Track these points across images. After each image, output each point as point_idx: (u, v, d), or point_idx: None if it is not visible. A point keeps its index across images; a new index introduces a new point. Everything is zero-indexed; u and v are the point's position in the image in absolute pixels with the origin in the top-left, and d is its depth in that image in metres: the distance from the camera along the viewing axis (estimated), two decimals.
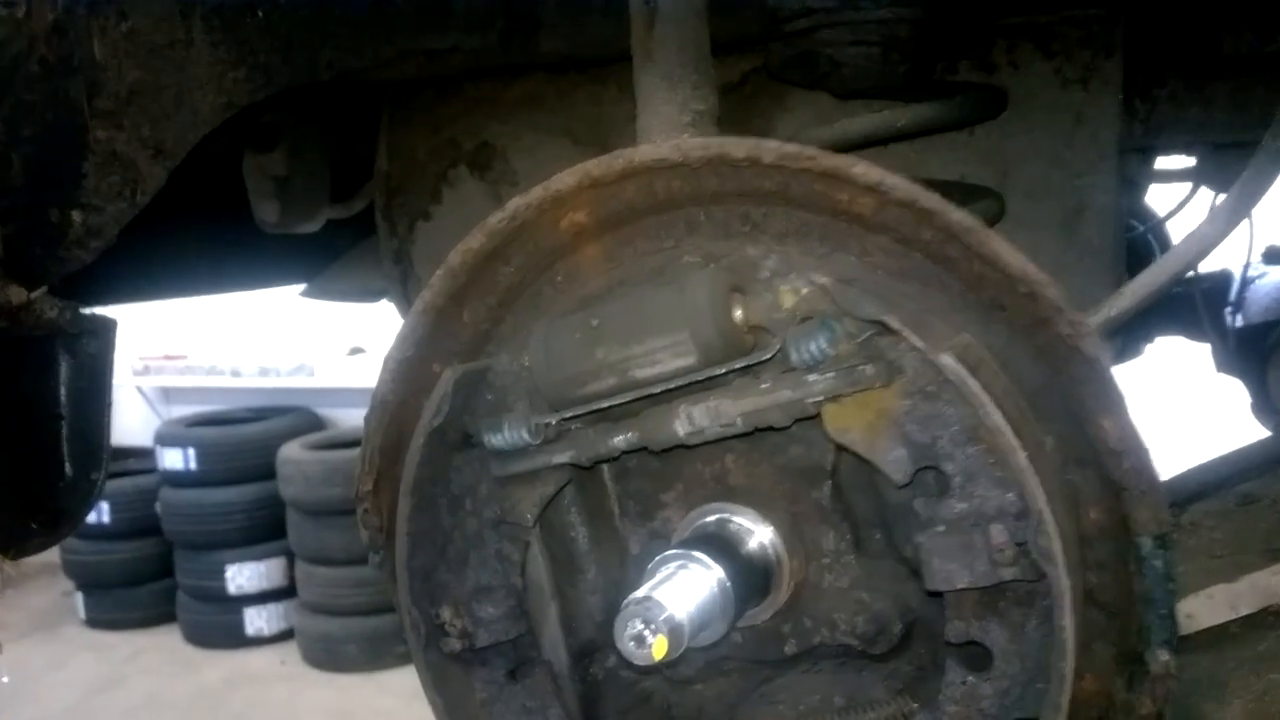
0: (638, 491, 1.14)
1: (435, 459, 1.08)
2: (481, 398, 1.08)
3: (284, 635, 7.20)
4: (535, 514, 1.07)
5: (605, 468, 1.15)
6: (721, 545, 1.01)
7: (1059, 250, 1.56)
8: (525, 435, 1.04)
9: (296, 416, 7.67)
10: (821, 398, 0.92)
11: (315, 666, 6.79)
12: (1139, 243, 2.62)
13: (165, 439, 7.37)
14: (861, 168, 0.92)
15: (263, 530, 7.18)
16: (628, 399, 1.00)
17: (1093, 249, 1.55)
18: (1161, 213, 2.70)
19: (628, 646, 0.89)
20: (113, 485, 7.54)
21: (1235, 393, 2.46)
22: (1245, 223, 2.39)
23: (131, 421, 8.73)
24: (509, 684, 1.10)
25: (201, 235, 2.15)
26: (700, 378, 0.96)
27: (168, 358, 8.45)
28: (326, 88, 1.63)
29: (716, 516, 1.07)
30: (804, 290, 0.94)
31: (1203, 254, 1.21)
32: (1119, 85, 1.51)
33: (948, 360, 0.86)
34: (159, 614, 7.56)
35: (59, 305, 1.56)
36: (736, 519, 1.06)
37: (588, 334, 1.00)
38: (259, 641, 7.21)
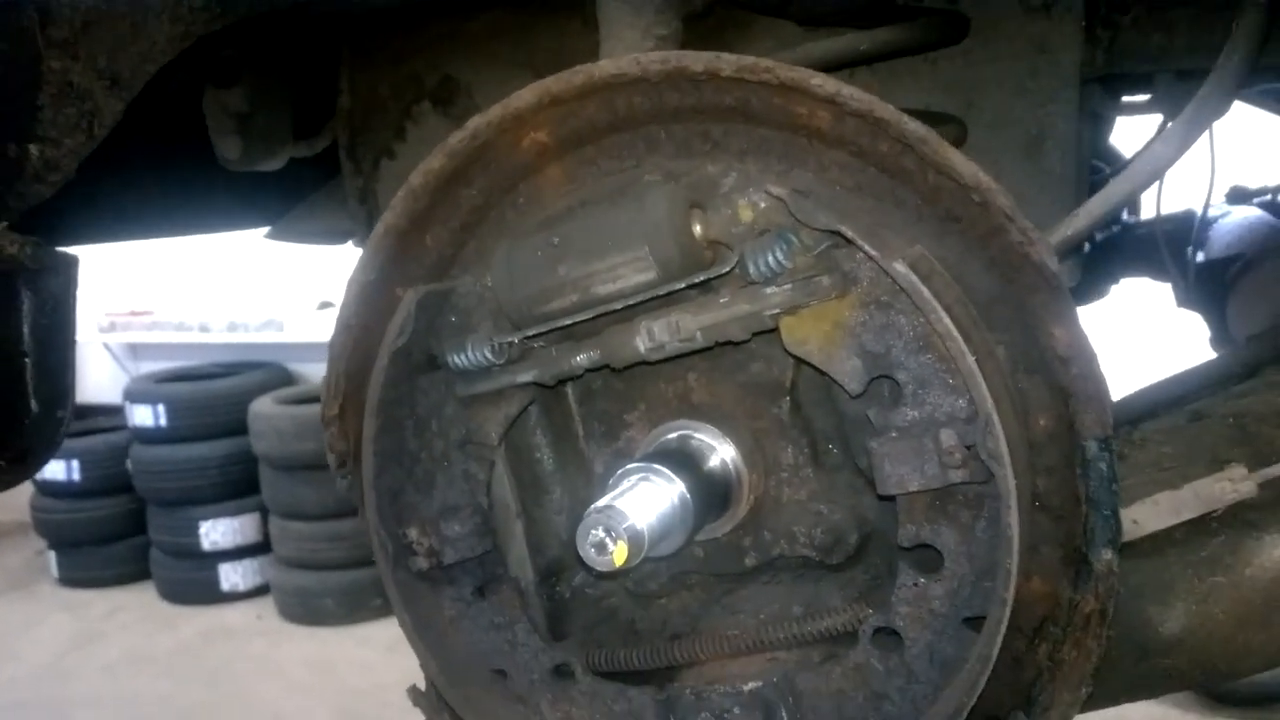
0: (602, 412, 1.16)
1: (400, 380, 1.08)
2: (445, 319, 1.09)
3: (259, 590, 7.21)
4: (500, 433, 1.09)
5: (570, 389, 1.16)
6: (683, 460, 1.03)
7: (1021, 179, 1.58)
8: (489, 355, 1.05)
9: (267, 372, 7.61)
10: (778, 310, 0.94)
11: (292, 621, 6.81)
12: (1103, 184, 2.64)
13: (134, 396, 7.29)
14: (819, 79, 0.92)
15: (236, 486, 7.15)
16: (589, 315, 1.01)
17: (1054, 177, 1.57)
18: (1128, 155, 2.73)
19: (589, 553, 0.91)
20: (82, 443, 7.49)
21: (1195, 327, 2.51)
22: (1207, 162, 2.43)
23: (99, 378, 8.63)
24: (476, 601, 1.12)
25: (163, 174, 2.12)
26: (660, 293, 0.98)
27: (134, 314, 8.33)
28: (286, 19, 1.60)
29: (678, 433, 1.09)
30: (761, 204, 0.95)
31: (1155, 175, 1.23)
32: (1081, 12, 1.52)
33: (900, 268, 0.87)
34: (133, 571, 7.53)
35: (20, 240, 1.53)
36: (698, 435, 1.08)
37: (550, 252, 1.00)
38: (234, 597, 7.21)
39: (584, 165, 1.08)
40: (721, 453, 1.07)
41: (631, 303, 0.99)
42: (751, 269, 0.94)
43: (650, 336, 0.99)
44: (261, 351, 7.83)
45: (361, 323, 1.13)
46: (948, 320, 0.87)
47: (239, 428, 6.98)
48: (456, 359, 1.06)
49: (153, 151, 2.04)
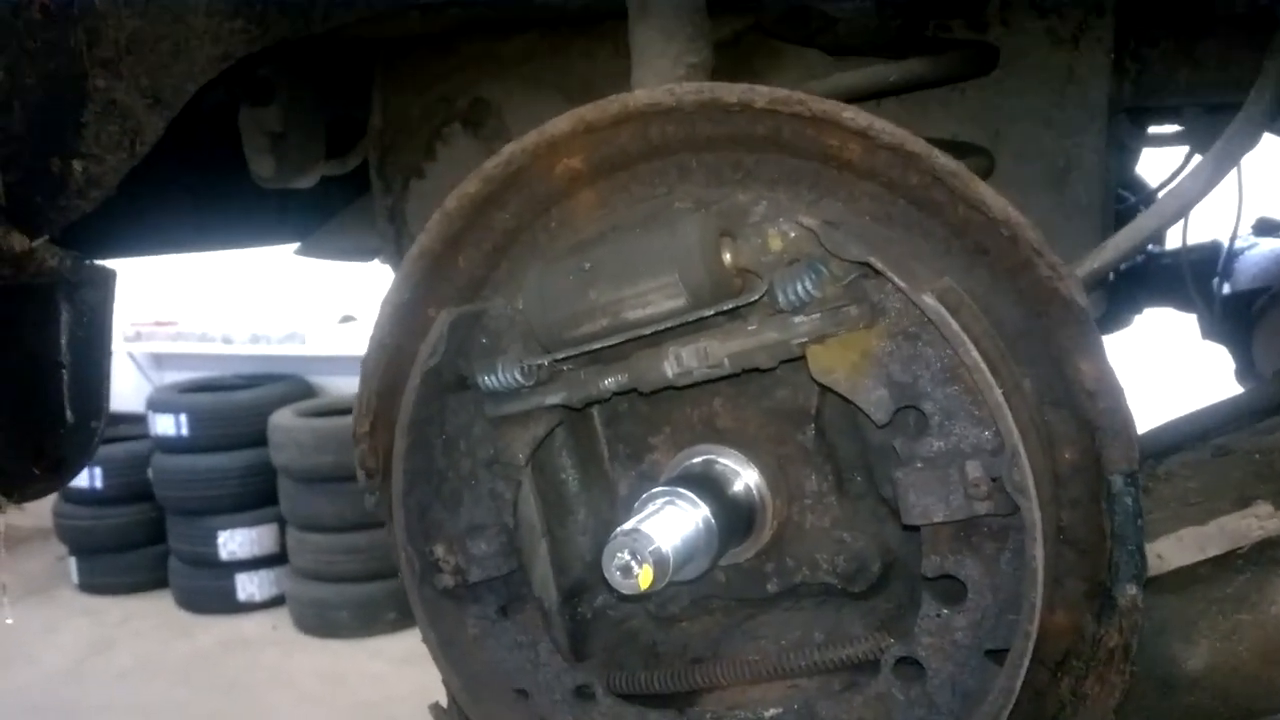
0: (628, 435, 1.17)
1: (431, 399, 1.10)
2: (476, 340, 1.11)
3: (275, 601, 7.23)
4: (527, 454, 1.10)
5: (596, 412, 1.17)
6: (707, 485, 1.04)
7: (1047, 210, 1.58)
8: (518, 376, 1.06)
9: (288, 384, 7.66)
10: (806, 339, 0.95)
11: (306, 632, 6.82)
12: (1131, 214, 2.64)
13: (157, 405, 7.36)
14: (851, 112, 0.94)
15: (255, 497, 7.18)
16: (619, 340, 1.02)
17: (1080, 209, 1.57)
18: (1153, 184, 2.73)
19: (614, 575, 0.92)
20: (105, 451, 7.53)
21: (1221, 360, 2.50)
22: (1235, 193, 2.43)
23: (123, 387, 8.70)
24: (500, 620, 1.13)
25: (198, 190, 2.16)
26: (690, 319, 0.99)
27: (159, 324, 8.42)
28: (321, 42, 1.63)
29: (703, 458, 1.10)
30: (791, 233, 0.96)
31: (1183, 210, 1.23)
32: (1110, 44, 1.53)
33: (929, 300, 0.88)
34: (151, 579, 7.57)
35: (60, 254, 1.57)
36: (723, 460, 1.09)
37: (581, 276, 1.02)
38: (250, 607, 7.23)
39: (616, 191, 1.10)
40: (746, 478, 1.08)
41: (661, 328, 1.00)
42: (780, 298, 0.95)
43: (678, 362, 1.00)
44: (283, 364, 7.89)
45: (395, 342, 1.14)
46: (975, 353, 0.87)
47: (259, 439, 7.02)
48: (487, 380, 1.07)
49: (188, 167, 2.08)
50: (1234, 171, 2.30)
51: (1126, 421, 0.91)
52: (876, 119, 0.93)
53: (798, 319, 0.95)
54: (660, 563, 0.92)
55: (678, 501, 0.99)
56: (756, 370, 1.00)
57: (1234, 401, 1.40)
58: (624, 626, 1.20)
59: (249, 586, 7.29)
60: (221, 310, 8.28)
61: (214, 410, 7.33)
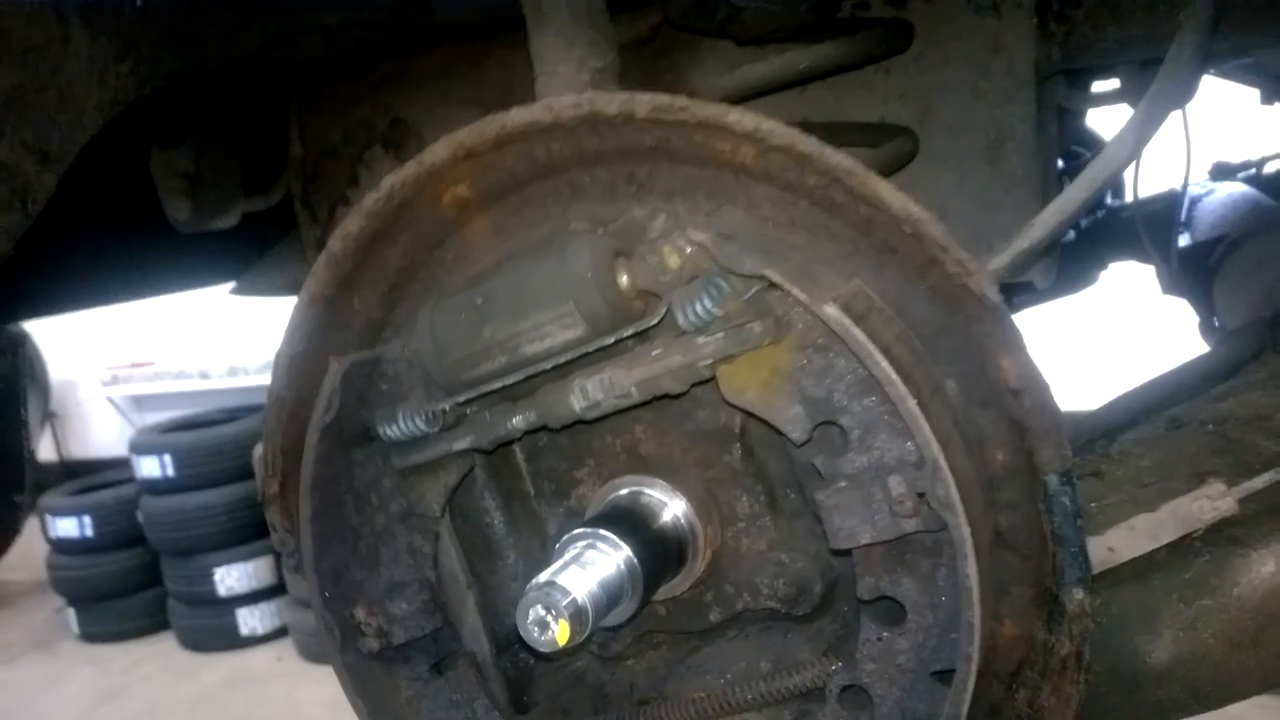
0: (551, 470, 1.11)
1: (334, 456, 1.04)
2: (376, 388, 1.05)
3: (278, 633, 7.18)
4: (441, 503, 1.04)
5: (516, 448, 1.12)
6: (632, 520, 0.99)
7: (983, 184, 1.53)
8: (421, 424, 1.01)
9: None
10: (712, 360, 0.89)
11: (312, 661, 6.77)
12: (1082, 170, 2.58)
13: (140, 448, 7.27)
14: (736, 115, 0.88)
15: (247, 530, 7.12)
16: (521, 377, 0.96)
17: (1017, 180, 1.52)
18: (1106, 138, 2.67)
19: (530, 632, 0.86)
20: (92, 498, 7.48)
21: (1185, 315, 2.45)
22: (1184, 140, 2.37)
23: (105, 433, 8.63)
24: (433, 679, 1.08)
25: (120, 239, 2.09)
26: (591, 349, 0.93)
27: (135, 365, 8.33)
28: (225, 75, 1.56)
29: (628, 490, 1.04)
30: (687, 249, 0.90)
31: (1113, 177, 1.17)
32: (1032, 8, 1.47)
33: (831, 311, 0.83)
34: (152, 623, 7.51)
35: None
36: (648, 491, 1.03)
37: (473, 313, 0.96)
38: (254, 641, 7.18)
39: (510, 216, 1.04)
40: (673, 508, 1.02)
41: (562, 361, 0.94)
42: (680, 319, 0.89)
43: (585, 395, 0.94)
44: (262, 395, 7.73)
45: (295, 395, 1.08)
46: (885, 363, 0.82)
47: (245, 472, 6.94)
48: (388, 430, 1.01)
49: (108, 217, 2.01)
50: (1180, 120, 2.25)
51: (1055, 418, 0.85)
52: (765, 120, 0.87)
53: (701, 339, 0.90)
54: (577, 615, 0.87)
55: (599, 544, 0.93)
56: (669, 396, 0.94)
57: (1187, 368, 1.35)
58: (568, 670, 1.14)
59: (250, 620, 7.24)
60: (197, 346, 8.19)
61: (197, 447, 7.25)
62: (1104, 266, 2.96)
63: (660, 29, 1.65)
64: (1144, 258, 2.72)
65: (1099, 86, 2.26)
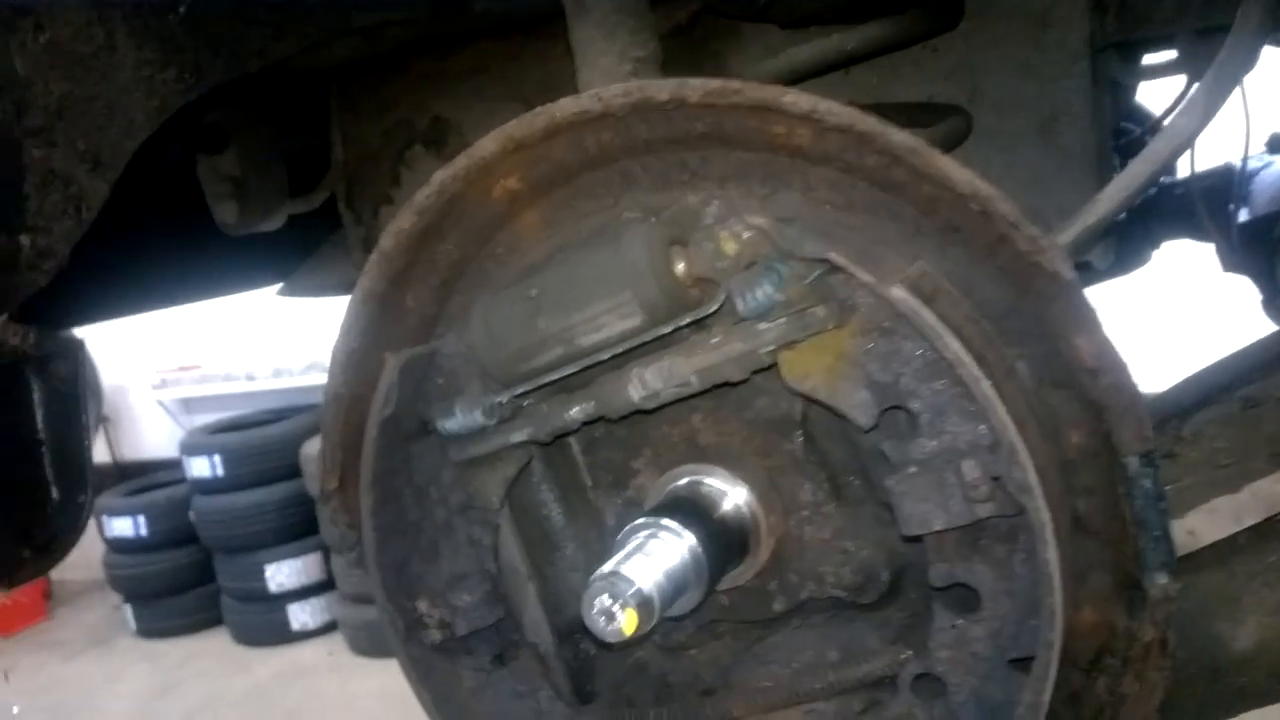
0: (608, 461, 1.10)
1: (393, 450, 1.04)
2: (432, 382, 1.04)
3: (328, 627, 7.28)
4: (501, 496, 1.04)
5: (572, 440, 1.11)
6: (694, 509, 0.97)
7: (1037, 161, 1.49)
8: (479, 417, 1.00)
9: (315, 414, 7.65)
10: (774, 346, 0.88)
11: (362, 655, 6.86)
12: (1136, 146, 2.52)
13: (190, 449, 7.41)
14: (792, 96, 0.86)
15: (296, 528, 7.23)
16: (577, 368, 0.95)
17: (1072, 157, 1.48)
18: (1157, 112, 2.60)
19: (596, 623, 0.86)
20: (145, 498, 7.64)
21: (1247, 292, 2.38)
22: (1241, 114, 2.29)
23: (156, 435, 8.79)
24: (496, 669, 1.08)
25: (171, 244, 2.11)
26: (649, 338, 0.92)
27: (183, 369, 8.48)
28: (266, 80, 1.57)
29: (688, 479, 1.02)
30: (745, 234, 0.89)
31: (1180, 149, 1.14)
32: None
33: (898, 293, 0.80)
34: (206, 618, 7.66)
35: (21, 331, 1.53)
36: (708, 480, 1.01)
37: (527, 305, 0.95)
38: (305, 635, 7.29)
39: (561, 208, 1.03)
40: (734, 497, 1.01)
41: (619, 351, 0.93)
42: (740, 305, 0.88)
43: (643, 384, 0.93)
44: (308, 395, 7.90)
45: (351, 392, 1.09)
46: (956, 345, 0.79)
47: (293, 471, 7.05)
48: (446, 424, 1.01)
49: (159, 223, 2.03)
50: (1237, 92, 2.18)
51: (1134, 398, 0.83)
52: (822, 100, 0.85)
53: (762, 326, 0.88)
54: (644, 605, 0.86)
55: (661, 534, 0.92)
56: (729, 384, 0.93)
57: (1260, 346, 1.30)
58: (630, 660, 1.13)
59: (301, 616, 7.34)
60: (242, 349, 8.31)
61: (246, 448, 7.36)
62: (1157, 245, 2.88)
63: (699, 17, 1.63)
64: (1199, 235, 2.65)
65: (1150, 59, 2.20)
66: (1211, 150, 2.62)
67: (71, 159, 1.44)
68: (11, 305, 1.49)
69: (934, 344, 0.80)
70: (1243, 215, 2.35)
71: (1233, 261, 2.29)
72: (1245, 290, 2.35)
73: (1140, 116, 2.70)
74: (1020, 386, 0.86)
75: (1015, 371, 0.87)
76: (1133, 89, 2.42)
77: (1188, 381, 1.31)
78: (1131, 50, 2.05)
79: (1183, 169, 2.68)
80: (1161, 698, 0.87)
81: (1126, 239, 2.71)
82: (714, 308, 0.89)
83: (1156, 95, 2.64)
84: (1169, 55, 2.14)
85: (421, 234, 1.02)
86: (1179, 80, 2.22)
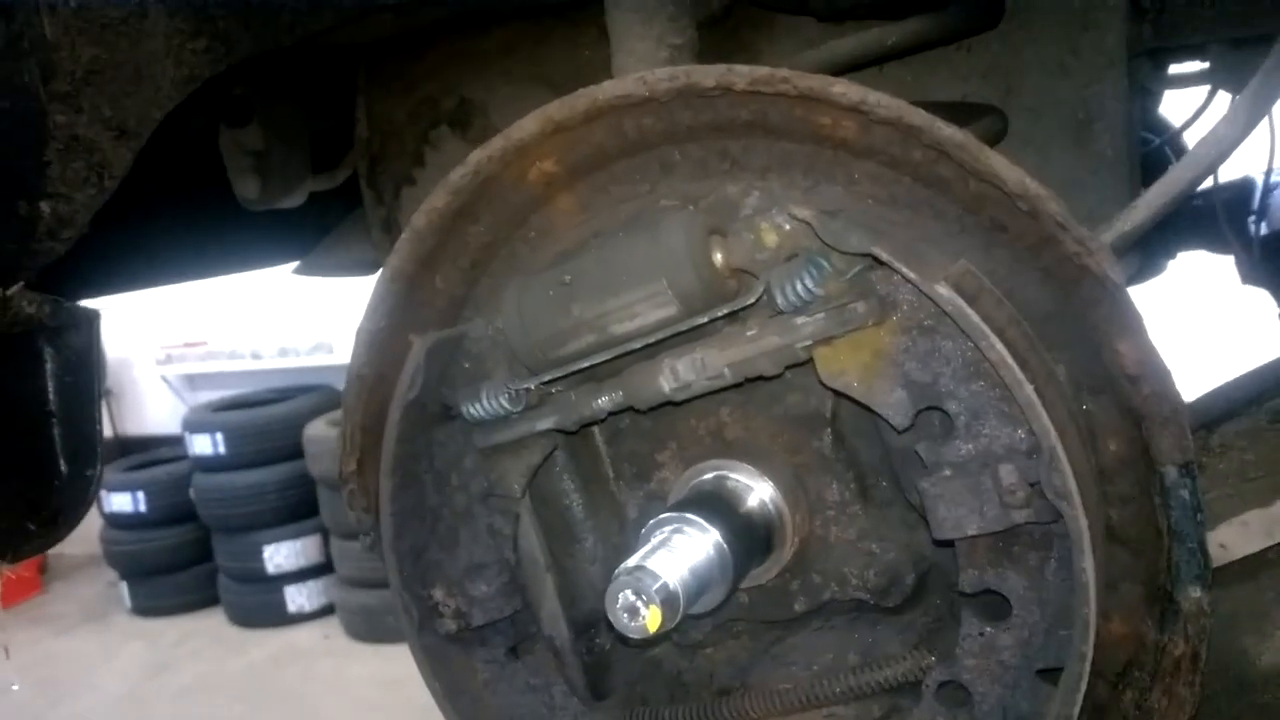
0: (631, 453, 1.09)
1: (415, 434, 1.03)
2: (459, 366, 1.03)
3: (325, 610, 7.28)
4: (523, 484, 1.02)
5: (596, 430, 1.10)
6: (718, 505, 0.96)
7: (1070, 165, 1.47)
8: (505, 403, 0.99)
9: (319, 395, 7.67)
10: (811, 341, 0.86)
11: (358, 639, 6.86)
12: (1155, 156, 2.50)
13: (193, 425, 7.41)
14: (841, 87, 0.84)
15: (296, 509, 7.23)
16: (609, 357, 0.94)
17: (1106, 162, 1.46)
18: (1177, 124, 2.58)
19: (620, 619, 0.84)
20: (146, 474, 7.64)
21: (1263, 305, 2.36)
22: (1265, 125, 2.28)
23: (159, 410, 8.79)
24: (510, 662, 1.06)
25: (188, 218, 2.10)
26: (683, 328, 0.91)
27: (188, 345, 8.47)
28: (297, 54, 1.56)
29: (713, 474, 1.01)
30: (786, 226, 0.87)
31: (1221, 157, 1.12)
32: None
33: (943, 291, 0.79)
34: (202, 598, 7.66)
35: (38, 300, 1.51)
36: (734, 476, 1.00)
37: (561, 291, 0.94)
38: (301, 618, 7.29)
39: (597, 193, 1.01)
40: (760, 493, 0.99)
41: (652, 340, 0.92)
42: (779, 298, 0.86)
43: (675, 375, 0.92)
44: (312, 375, 7.90)
45: (375, 372, 1.07)
46: (999, 345, 0.78)
47: (295, 452, 7.04)
48: (472, 409, 1.00)
49: (176, 196, 2.02)
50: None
51: (1176, 407, 0.81)
52: (871, 91, 0.84)
53: (800, 320, 0.86)
54: (669, 601, 0.84)
55: (686, 529, 0.91)
56: (761, 378, 0.91)
57: None
58: (645, 657, 1.12)
59: (298, 598, 7.34)
60: (249, 327, 8.31)
61: (249, 427, 7.36)
62: (1173, 256, 2.86)
63: (733, 7, 1.61)
64: (1216, 247, 2.63)
65: (1176, 69, 2.19)
66: (1229, 165, 2.60)
67: (96, 126, 1.42)
68: (29, 273, 1.48)
69: (978, 344, 0.79)
70: (1263, 229, 2.33)
71: (1253, 274, 2.28)
72: (1260, 303, 2.34)
73: (1158, 128, 2.69)
74: (1060, 392, 0.84)
75: (1055, 376, 0.85)
76: (1158, 98, 2.40)
77: (1213, 394, 1.29)
78: (1160, 58, 2.03)
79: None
80: (1190, 714, 0.86)
81: (1143, 249, 2.70)
82: (752, 300, 0.88)
83: (1174, 107, 2.62)
84: (1194, 66, 2.12)
85: (455, 214, 1.01)
86: (1198, 93, 2.20)
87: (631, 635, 0.84)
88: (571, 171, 1.00)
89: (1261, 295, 2.39)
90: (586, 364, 0.95)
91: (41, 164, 1.44)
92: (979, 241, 0.87)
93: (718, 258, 0.90)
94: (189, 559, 7.69)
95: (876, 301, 0.84)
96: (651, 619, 0.83)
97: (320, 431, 6.91)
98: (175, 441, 7.82)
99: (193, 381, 8.83)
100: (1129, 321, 0.82)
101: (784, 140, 0.91)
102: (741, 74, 0.87)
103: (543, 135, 0.96)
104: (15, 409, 1.54)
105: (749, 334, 0.89)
